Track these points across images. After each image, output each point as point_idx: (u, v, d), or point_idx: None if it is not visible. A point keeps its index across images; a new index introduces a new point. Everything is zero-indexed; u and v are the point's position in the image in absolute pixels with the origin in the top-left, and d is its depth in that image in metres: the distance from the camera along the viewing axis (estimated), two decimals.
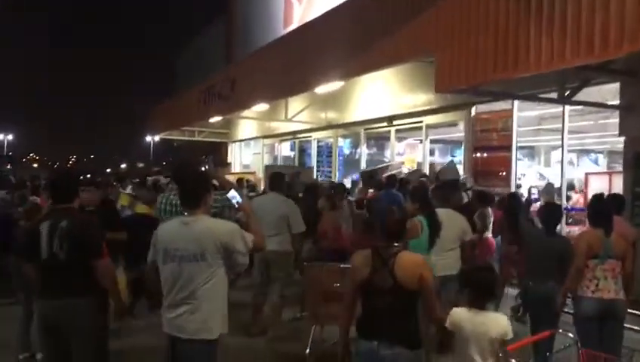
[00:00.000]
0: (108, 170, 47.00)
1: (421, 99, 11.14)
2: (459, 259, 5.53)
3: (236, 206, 3.94)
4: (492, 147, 9.85)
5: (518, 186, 10.00)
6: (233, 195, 3.89)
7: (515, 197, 7.59)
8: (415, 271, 3.23)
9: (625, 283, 4.60)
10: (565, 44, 4.68)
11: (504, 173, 9.55)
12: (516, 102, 9.18)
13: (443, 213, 5.39)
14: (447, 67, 5.97)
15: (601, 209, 4.76)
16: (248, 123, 18.97)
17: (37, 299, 3.95)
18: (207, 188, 3.56)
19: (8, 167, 38.81)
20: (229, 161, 21.38)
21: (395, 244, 3.32)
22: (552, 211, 5.08)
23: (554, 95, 7.90)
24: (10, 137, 61.63)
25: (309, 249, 7.28)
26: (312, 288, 5.51)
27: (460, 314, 3.22)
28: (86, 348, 3.77)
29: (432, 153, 13.14)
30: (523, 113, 9.62)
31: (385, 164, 11.94)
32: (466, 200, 7.93)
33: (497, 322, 3.17)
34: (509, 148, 9.40)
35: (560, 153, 9.14)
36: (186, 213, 3.47)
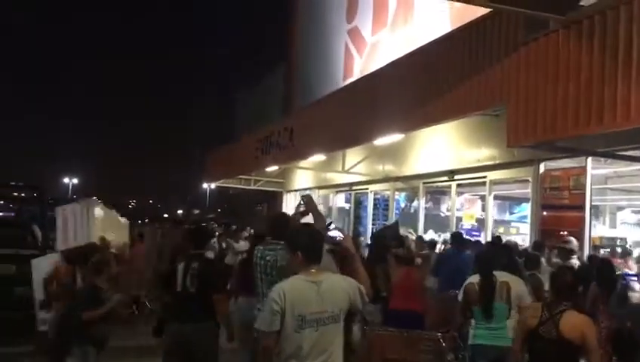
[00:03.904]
0: (165, 216, 47.84)
1: (484, 153, 10.71)
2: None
3: (337, 242, 3.86)
4: (562, 206, 9.26)
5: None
6: (335, 233, 3.83)
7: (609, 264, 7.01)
8: (578, 329, 3.65)
9: None
10: None
11: (576, 234, 8.93)
12: (589, 160, 8.63)
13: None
14: (521, 120, 5.62)
15: None
16: (304, 173, 18.90)
17: (170, 322, 5.00)
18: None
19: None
20: (283, 210, 21.27)
21: (565, 303, 3.75)
22: None
23: (632, 152, 7.39)
24: (75, 181, 63.98)
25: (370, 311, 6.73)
26: (372, 355, 5.11)
27: None
28: (207, 359, 4.83)
29: None
30: (594, 171, 9.06)
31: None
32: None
33: None
34: (581, 207, 8.81)
35: (625, 213, 8.54)
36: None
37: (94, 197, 8.79)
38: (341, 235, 3.96)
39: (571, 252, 7.54)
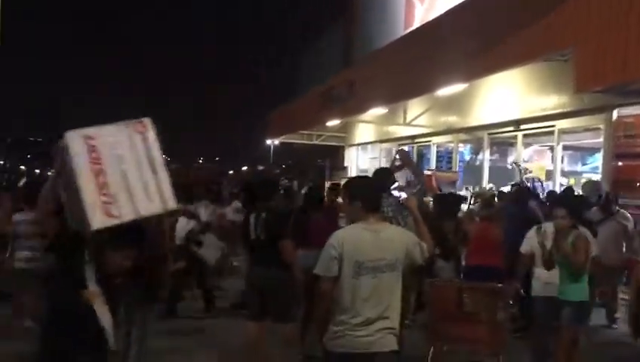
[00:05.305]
0: (230, 172, 48.92)
1: (553, 101, 10.26)
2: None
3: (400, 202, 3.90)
4: (638, 155, 8.79)
5: None
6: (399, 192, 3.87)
7: None
8: None
9: None
10: None
11: None
12: None
13: None
14: (590, 64, 5.29)
15: None
16: (366, 127, 18.76)
17: (248, 268, 5.60)
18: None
19: None
20: (345, 165, 21.28)
21: None
22: None
23: None
24: None
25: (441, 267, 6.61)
26: (433, 307, 5.11)
27: None
28: (281, 300, 5.10)
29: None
30: None
31: None
32: None
33: None
34: None
35: None
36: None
37: None
38: (404, 195, 3.95)
39: None
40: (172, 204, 2.69)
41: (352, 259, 3.10)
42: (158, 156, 2.67)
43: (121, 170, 2.54)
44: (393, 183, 5.22)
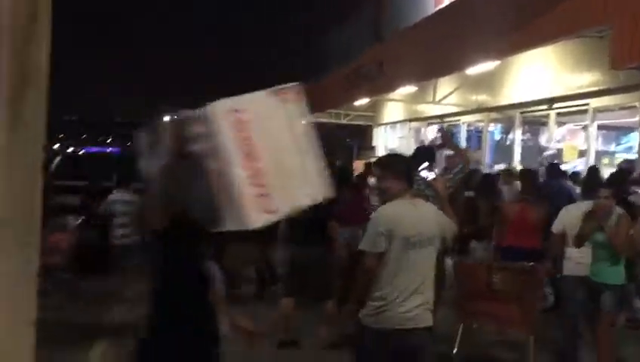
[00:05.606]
0: None
1: (587, 78, 10.03)
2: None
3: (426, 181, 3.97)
4: None
5: None
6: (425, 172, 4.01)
7: None
8: None
9: None
10: None
11: None
12: None
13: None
14: (627, 38, 5.14)
15: None
16: (395, 106, 18.62)
17: (291, 245, 5.52)
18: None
19: None
20: (373, 144, 21.20)
21: None
22: None
23: None
24: None
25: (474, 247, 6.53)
26: (459, 285, 5.11)
27: None
28: (323, 278, 5.26)
29: None
30: None
31: None
32: None
33: None
34: None
35: None
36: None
37: None
38: (432, 175, 4.02)
39: None
40: (327, 190, 2.22)
41: (399, 235, 3.14)
42: (310, 132, 2.12)
43: (274, 152, 1.99)
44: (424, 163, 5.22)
